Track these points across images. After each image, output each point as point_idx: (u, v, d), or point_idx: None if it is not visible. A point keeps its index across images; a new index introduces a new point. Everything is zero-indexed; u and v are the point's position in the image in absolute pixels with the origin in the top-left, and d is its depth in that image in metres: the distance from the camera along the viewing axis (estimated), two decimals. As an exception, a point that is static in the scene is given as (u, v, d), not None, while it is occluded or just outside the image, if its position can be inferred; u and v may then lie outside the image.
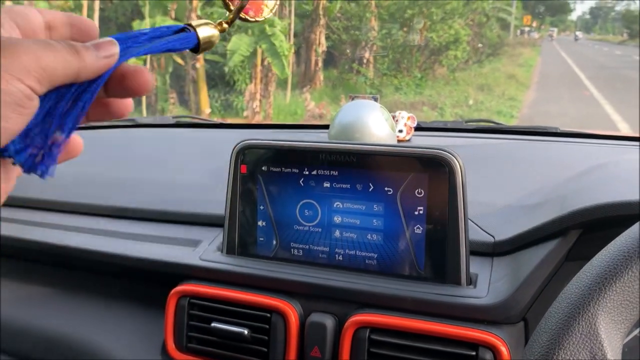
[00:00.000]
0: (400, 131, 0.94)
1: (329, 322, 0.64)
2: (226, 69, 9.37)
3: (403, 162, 0.64)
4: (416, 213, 0.64)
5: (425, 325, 0.60)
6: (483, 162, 0.86)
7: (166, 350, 0.71)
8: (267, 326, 0.66)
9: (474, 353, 0.58)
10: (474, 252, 0.66)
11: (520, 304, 0.59)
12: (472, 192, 0.64)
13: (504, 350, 0.57)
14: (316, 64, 10.54)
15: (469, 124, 1.17)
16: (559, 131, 1.07)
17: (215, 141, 1.12)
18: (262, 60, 9.97)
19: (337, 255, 0.68)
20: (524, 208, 0.69)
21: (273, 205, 0.70)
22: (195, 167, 0.98)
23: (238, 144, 0.71)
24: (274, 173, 0.70)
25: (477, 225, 0.69)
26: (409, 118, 0.95)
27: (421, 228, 0.64)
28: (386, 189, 0.65)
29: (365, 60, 10.74)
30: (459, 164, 0.61)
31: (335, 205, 0.67)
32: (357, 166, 0.66)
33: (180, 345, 0.71)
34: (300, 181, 0.68)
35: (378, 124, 0.76)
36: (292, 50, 9.65)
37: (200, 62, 10.00)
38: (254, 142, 0.70)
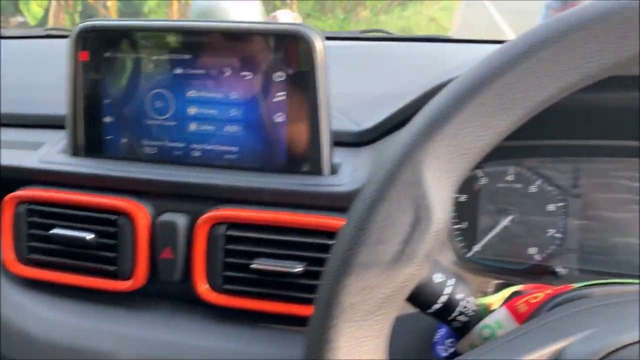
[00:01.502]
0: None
1: (180, 220, 0.58)
2: (145, 8, 8.86)
3: (261, 41, 0.57)
4: (276, 100, 0.58)
5: (283, 217, 0.55)
6: (364, 61, 0.81)
7: (4, 264, 0.63)
8: (115, 230, 0.59)
9: (322, 241, 0.54)
10: (339, 143, 0.61)
11: None
12: (346, 85, 0.59)
13: None
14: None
15: (363, 34, 1.12)
16: (451, 38, 1.04)
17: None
18: (180, -2, 9.47)
19: (193, 151, 0.61)
20: (396, 97, 0.65)
21: (120, 98, 0.62)
22: (52, 71, 0.87)
23: (77, 25, 0.61)
24: (119, 60, 0.61)
25: (344, 117, 0.64)
26: (294, 18, 0.88)
27: (283, 116, 0.58)
28: (244, 73, 0.58)
29: (288, 1, 10.45)
30: (321, 42, 0.56)
31: (189, 95, 0.60)
32: (212, 48, 0.59)
33: (21, 257, 0.63)
34: (150, 68, 0.60)
35: (245, 8, 0.69)
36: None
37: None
38: (96, 23, 0.61)
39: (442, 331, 0.51)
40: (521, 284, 0.59)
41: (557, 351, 0.32)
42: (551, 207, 0.65)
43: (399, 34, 1.11)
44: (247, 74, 0.58)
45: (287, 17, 0.87)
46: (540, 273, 0.65)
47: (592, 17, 0.29)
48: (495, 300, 0.51)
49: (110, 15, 9.00)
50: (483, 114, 0.32)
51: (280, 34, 0.56)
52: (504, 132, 0.32)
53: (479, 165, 0.66)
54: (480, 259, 0.67)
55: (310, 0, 10.49)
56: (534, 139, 0.62)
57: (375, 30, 1.13)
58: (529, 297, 0.46)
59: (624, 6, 0.29)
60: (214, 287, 0.57)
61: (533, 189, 0.65)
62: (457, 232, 0.67)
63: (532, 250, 0.66)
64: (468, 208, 0.67)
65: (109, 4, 9.28)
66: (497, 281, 0.63)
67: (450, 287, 0.45)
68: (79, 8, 9.39)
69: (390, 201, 0.32)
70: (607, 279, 0.45)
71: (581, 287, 0.45)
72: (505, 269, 0.67)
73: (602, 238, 0.63)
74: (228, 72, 0.59)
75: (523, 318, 0.45)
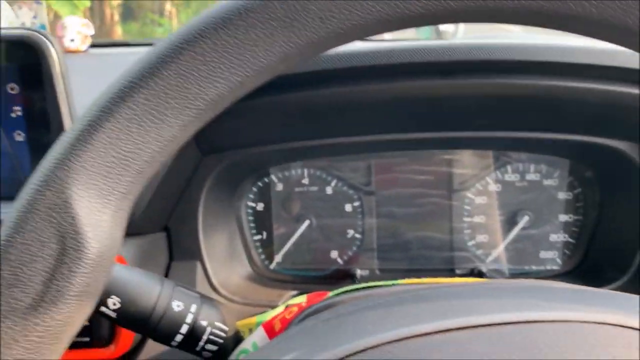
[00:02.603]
0: (72, 40, 0.79)
1: None
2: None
3: (-16, 50, 0.49)
4: (14, 115, 0.50)
5: None
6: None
7: None
8: None
9: None
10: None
11: (140, 217, 0.49)
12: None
13: None
14: (112, 17, 9.74)
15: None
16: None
17: None
18: (47, 13, 8.92)
19: None
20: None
21: None
22: None
23: None
24: None
25: None
26: (83, 25, 0.80)
27: (22, 134, 0.50)
28: (-29, 88, 0.50)
29: (167, 13, 10.21)
30: (55, 49, 0.49)
31: None
32: None
33: None
34: None
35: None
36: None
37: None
38: None
39: None
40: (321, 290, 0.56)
41: None
42: (348, 208, 0.62)
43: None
44: (-24, 89, 0.50)
45: (75, 24, 0.78)
46: (342, 277, 0.63)
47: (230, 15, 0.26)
48: (276, 315, 0.47)
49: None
50: (140, 119, 0.26)
51: (10, 41, 0.49)
52: (177, 137, 0.28)
53: (271, 171, 0.62)
54: (284, 269, 0.64)
55: (190, 9, 10.33)
56: (322, 137, 0.59)
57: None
58: (285, 312, 0.43)
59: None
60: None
61: (329, 190, 0.62)
62: (257, 244, 0.63)
63: (334, 254, 0.63)
64: (266, 217, 0.63)
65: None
66: (293, 292, 0.59)
67: (192, 314, 0.40)
68: None
69: (28, 232, 0.26)
70: (365, 284, 0.42)
71: (335, 294, 0.42)
72: (309, 277, 0.63)
73: (396, 235, 0.62)
74: (-47, 88, 0.50)
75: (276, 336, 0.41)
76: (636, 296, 0.28)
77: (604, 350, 0.23)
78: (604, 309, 0.26)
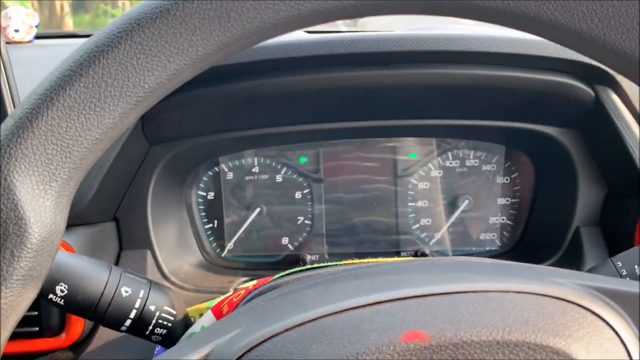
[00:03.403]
0: (17, 30, 0.78)
1: None
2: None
3: None
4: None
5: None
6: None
7: None
8: None
9: None
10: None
11: (88, 207, 0.49)
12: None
13: None
14: (62, 8, 9.43)
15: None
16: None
17: None
18: (-8, 5, 8.58)
19: None
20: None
21: None
22: None
23: None
24: None
25: None
26: (27, 15, 0.78)
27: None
28: None
29: (120, 4, 9.95)
30: None
31: None
32: None
33: None
34: None
35: None
36: (35, -6, 8.47)
37: None
38: None
39: (159, 349, 0.47)
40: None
41: (210, 351, 0.29)
42: (298, 195, 0.64)
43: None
44: None
45: (19, 14, 0.77)
46: (293, 263, 0.64)
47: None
48: (224, 299, 0.48)
49: None
50: (80, 106, 0.27)
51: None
52: (118, 125, 0.28)
53: (221, 160, 0.63)
54: (236, 256, 0.65)
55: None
56: (269, 126, 0.60)
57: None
58: (233, 296, 0.44)
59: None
60: None
61: (279, 178, 0.64)
62: (208, 232, 0.64)
63: (285, 240, 0.65)
64: (217, 206, 0.64)
65: None
66: (244, 279, 0.60)
67: (140, 299, 0.41)
68: None
69: None
70: (310, 265, 0.44)
71: (280, 276, 0.43)
72: (260, 263, 0.65)
73: (344, 220, 0.64)
74: None
75: None
76: (550, 268, 0.31)
77: (519, 315, 0.25)
78: (521, 279, 0.29)
